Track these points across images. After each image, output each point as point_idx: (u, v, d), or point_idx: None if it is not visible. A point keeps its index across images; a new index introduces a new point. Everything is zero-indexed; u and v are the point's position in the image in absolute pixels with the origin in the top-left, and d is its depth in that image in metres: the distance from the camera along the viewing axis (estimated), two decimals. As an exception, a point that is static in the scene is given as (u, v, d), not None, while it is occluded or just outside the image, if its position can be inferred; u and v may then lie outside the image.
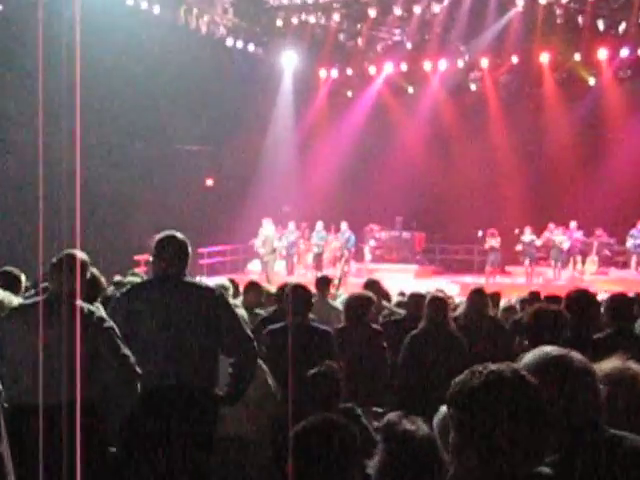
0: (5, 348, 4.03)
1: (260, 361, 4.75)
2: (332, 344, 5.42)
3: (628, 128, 21.13)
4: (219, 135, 22.32)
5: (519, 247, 19.89)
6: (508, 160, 22.21)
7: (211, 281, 6.55)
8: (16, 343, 3.99)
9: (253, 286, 7.31)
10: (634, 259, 19.76)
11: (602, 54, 20.43)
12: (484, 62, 22.06)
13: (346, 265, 20.38)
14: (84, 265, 4.20)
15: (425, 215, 22.72)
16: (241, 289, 7.82)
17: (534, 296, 8.34)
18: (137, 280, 6.55)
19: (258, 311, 6.87)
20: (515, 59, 21.58)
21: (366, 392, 5.49)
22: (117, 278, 7.80)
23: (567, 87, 22.10)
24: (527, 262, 20.04)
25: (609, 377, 2.44)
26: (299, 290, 5.55)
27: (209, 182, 23.48)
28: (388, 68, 23.20)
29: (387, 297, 8.43)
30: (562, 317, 4.25)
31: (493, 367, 1.96)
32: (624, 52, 20.29)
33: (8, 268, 6.01)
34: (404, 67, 22.82)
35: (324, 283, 7.78)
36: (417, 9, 20.76)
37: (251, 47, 22.73)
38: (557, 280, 19.62)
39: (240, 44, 22.21)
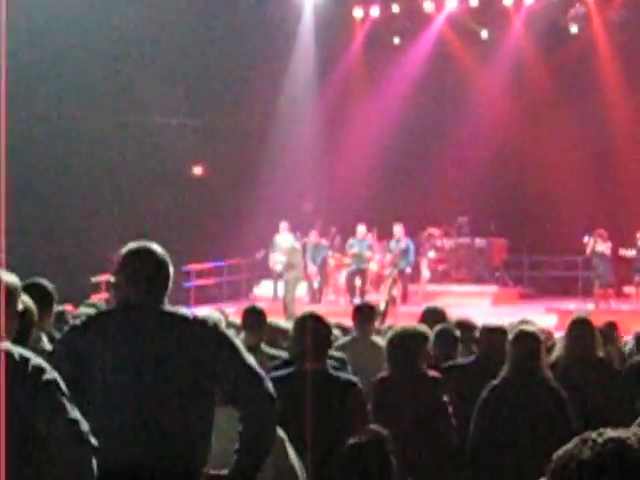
0: None
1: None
2: (360, 400, 5.44)
3: None
4: (210, 104, 22.43)
5: (631, 252, 19.49)
6: (628, 137, 22.08)
7: (198, 312, 6.54)
8: None
9: (255, 315, 7.24)
10: None
11: None
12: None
13: (394, 287, 20.32)
14: (12, 292, 4.17)
15: (507, 215, 22.70)
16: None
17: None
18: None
19: (269, 350, 6.84)
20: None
21: (422, 470, 5.46)
22: (61, 308, 7.77)
23: None
24: (638, 278, 19.84)
25: None
26: (312, 322, 5.54)
27: (197, 170, 23.62)
28: (452, 3, 23.19)
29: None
30: None
31: (612, 434, 1.95)
32: None
33: None
34: (474, 1, 22.78)
35: (367, 313, 7.78)
36: None
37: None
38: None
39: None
